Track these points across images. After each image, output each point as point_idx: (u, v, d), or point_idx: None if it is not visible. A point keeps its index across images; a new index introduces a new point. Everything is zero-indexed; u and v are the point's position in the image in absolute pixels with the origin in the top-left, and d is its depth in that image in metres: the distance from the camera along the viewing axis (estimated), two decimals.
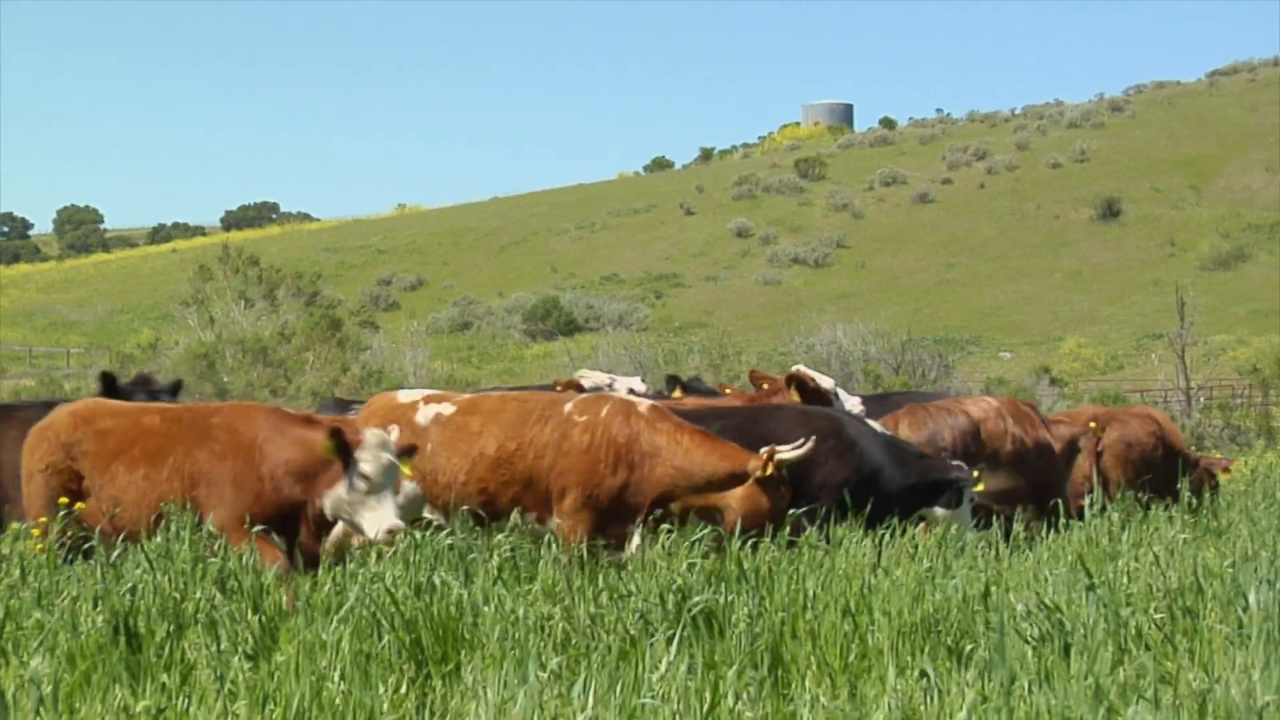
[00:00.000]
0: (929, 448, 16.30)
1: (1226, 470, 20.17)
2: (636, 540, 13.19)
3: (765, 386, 18.18)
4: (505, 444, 13.80)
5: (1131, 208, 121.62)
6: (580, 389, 17.51)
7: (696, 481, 13.54)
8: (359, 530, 11.92)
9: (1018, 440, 17.46)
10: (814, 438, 13.79)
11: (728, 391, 18.36)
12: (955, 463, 15.82)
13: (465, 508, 13.55)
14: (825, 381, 17.81)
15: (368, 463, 11.91)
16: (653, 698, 7.92)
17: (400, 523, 11.87)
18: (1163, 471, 18.64)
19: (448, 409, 14.28)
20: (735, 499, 13.44)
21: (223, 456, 12.19)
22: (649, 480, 13.54)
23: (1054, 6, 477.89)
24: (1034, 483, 17.48)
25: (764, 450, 13.48)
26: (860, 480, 14.86)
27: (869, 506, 14.19)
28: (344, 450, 11.94)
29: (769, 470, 13.36)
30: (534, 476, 13.75)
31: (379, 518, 11.78)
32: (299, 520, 12.04)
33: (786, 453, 13.46)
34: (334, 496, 11.96)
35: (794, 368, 18.40)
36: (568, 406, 13.99)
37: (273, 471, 12.10)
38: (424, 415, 14.23)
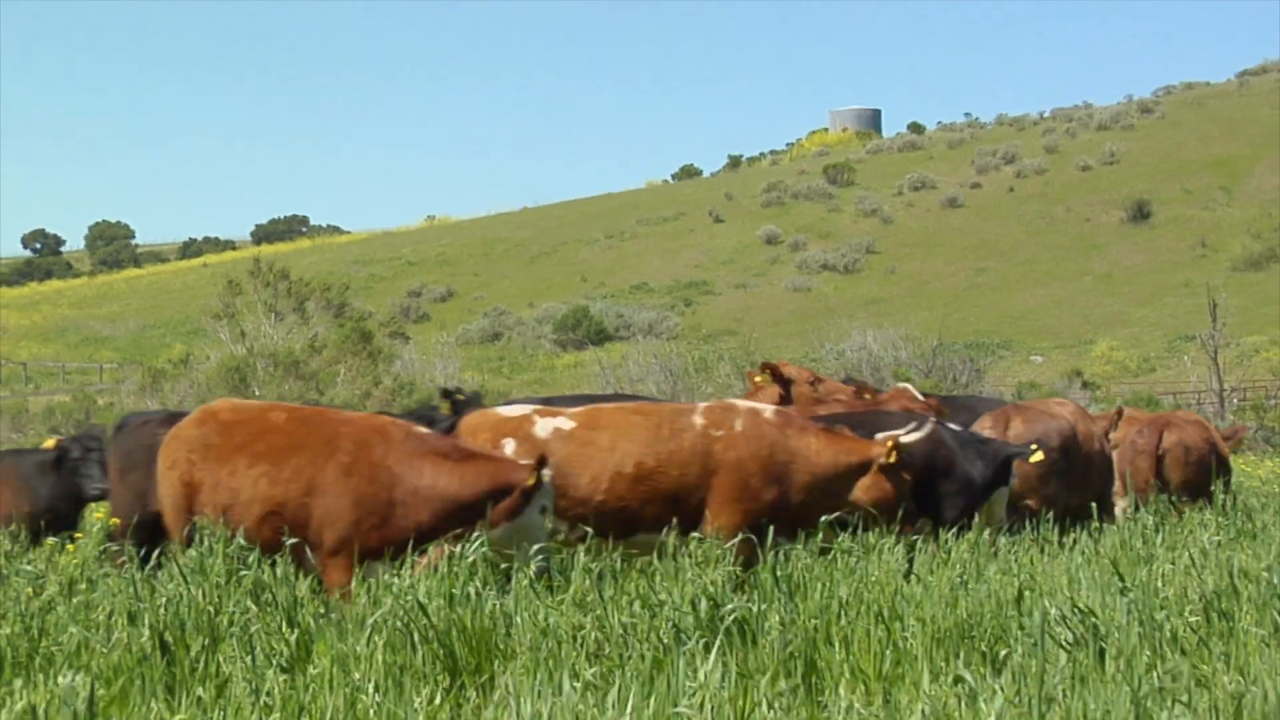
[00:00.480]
0: (1040, 447, 16.81)
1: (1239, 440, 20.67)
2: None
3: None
4: (644, 460, 13.58)
5: (1162, 209, 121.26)
6: (776, 373, 17.97)
7: (830, 479, 13.73)
8: (526, 561, 11.58)
9: (1100, 441, 18.20)
10: (929, 419, 14.43)
11: (756, 380, 18.39)
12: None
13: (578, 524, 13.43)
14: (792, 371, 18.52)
15: (546, 502, 12.00)
16: (686, 707, 7.93)
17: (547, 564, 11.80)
18: (1209, 477, 18.87)
19: (567, 423, 13.95)
20: (862, 489, 13.72)
21: (349, 472, 11.95)
22: (794, 487, 13.64)
23: (1081, 8, 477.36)
24: (1105, 482, 18.17)
25: (884, 437, 13.82)
26: (980, 470, 15.61)
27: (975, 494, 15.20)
28: (526, 493, 11.89)
29: (892, 457, 13.66)
30: (680, 493, 13.58)
31: (543, 551, 11.75)
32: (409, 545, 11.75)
33: (906, 436, 13.80)
34: (512, 527, 11.88)
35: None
36: (697, 419, 13.91)
37: (405, 498, 11.90)
38: (543, 429, 13.82)
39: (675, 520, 13.44)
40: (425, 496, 11.84)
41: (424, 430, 12.68)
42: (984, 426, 17.48)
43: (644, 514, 13.52)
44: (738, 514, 13.42)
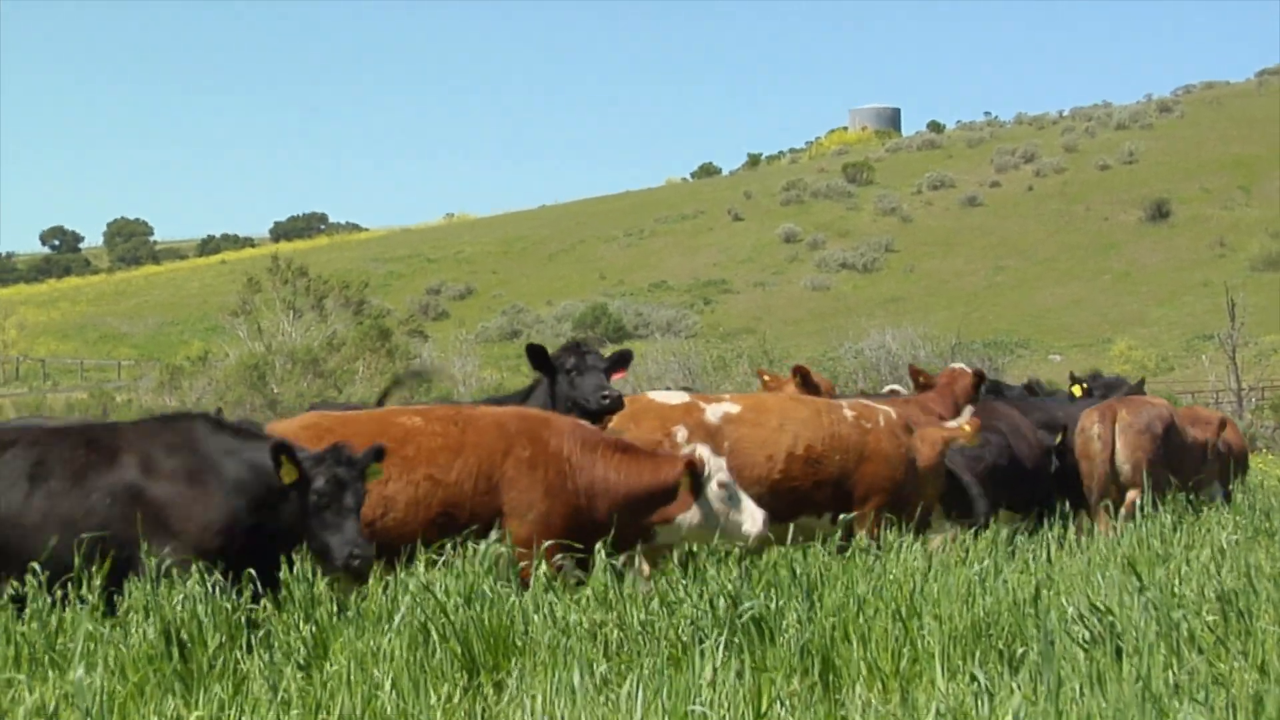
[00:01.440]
0: (1147, 434, 18.03)
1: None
2: None
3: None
4: (813, 443, 14.37)
5: (1180, 209, 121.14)
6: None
7: (934, 475, 15.00)
8: (731, 537, 12.24)
9: (1191, 432, 19.09)
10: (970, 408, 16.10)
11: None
12: None
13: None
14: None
15: (721, 472, 12.34)
16: (701, 704, 7.93)
17: (757, 521, 12.33)
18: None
19: (733, 408, 14.55)
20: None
21: (533, 465, 12.15)
22: (916, 480, 14.75)
23: (1100, 7, 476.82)
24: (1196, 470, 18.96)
25: (964, 423, 15.00)
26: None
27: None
28: (695, 476, 12.23)
29: (976, 439, 15.04)
30: (842, 476, 14.46)
31: (750, 517, 12.30)
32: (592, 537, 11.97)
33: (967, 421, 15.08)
34: (689, 516, 12.28)
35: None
36: (847, 412, 14.85)
37: (587, 488, 12.21)
38: (714, 414, 14.33)
39: (833, 505, 14.38)
40: (599, 489, 12.22)
41: (584, 422, 13.08)
42: (1091, 420, 18.30)
43: (812, 496, 14.34)
44: (884, 500, 14.43)
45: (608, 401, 14.10)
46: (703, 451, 12.38)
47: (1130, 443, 18.29)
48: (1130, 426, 18.14)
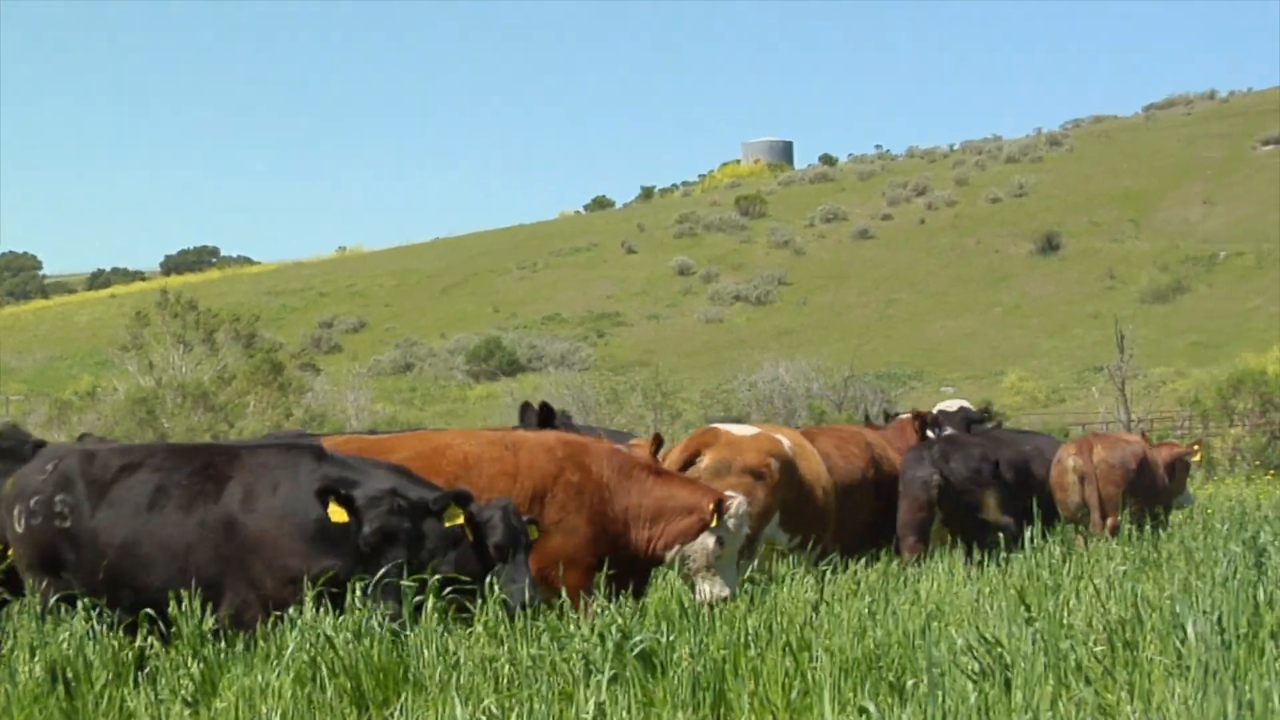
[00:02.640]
0: (1120, 470, 19.36)
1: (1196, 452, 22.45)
2: None
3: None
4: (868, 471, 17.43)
5: (1070, 241, 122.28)
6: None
7: None
8: (693, 588, 12.46)
9: (1164, 466, 20.40)
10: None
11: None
12: None
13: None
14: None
15: (729, 530, 12.50)
16: None
17: (732, 593, 12.39)
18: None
19: (794, 437, 16.48)
20: None
21: (580, 490, 12.36)
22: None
23: (990, 42, 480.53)
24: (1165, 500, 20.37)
25: None
26: None
27: None
28: (720, 514, 12.43)
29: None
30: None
31: (721, 584, 12.43)
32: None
33: None
34: (682, 551, 12.48)
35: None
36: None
37: (618, 514, 12.45)
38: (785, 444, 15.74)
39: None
40: (633, 515, 12.49)
41: (619, 447, 13.37)
42: (1069, 452, 19.59)
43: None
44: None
45: None
46: (738, 501, 12.59)
47: (1104, 476, 19.23)
48: (1105, 462, 19.39)
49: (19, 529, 11.08)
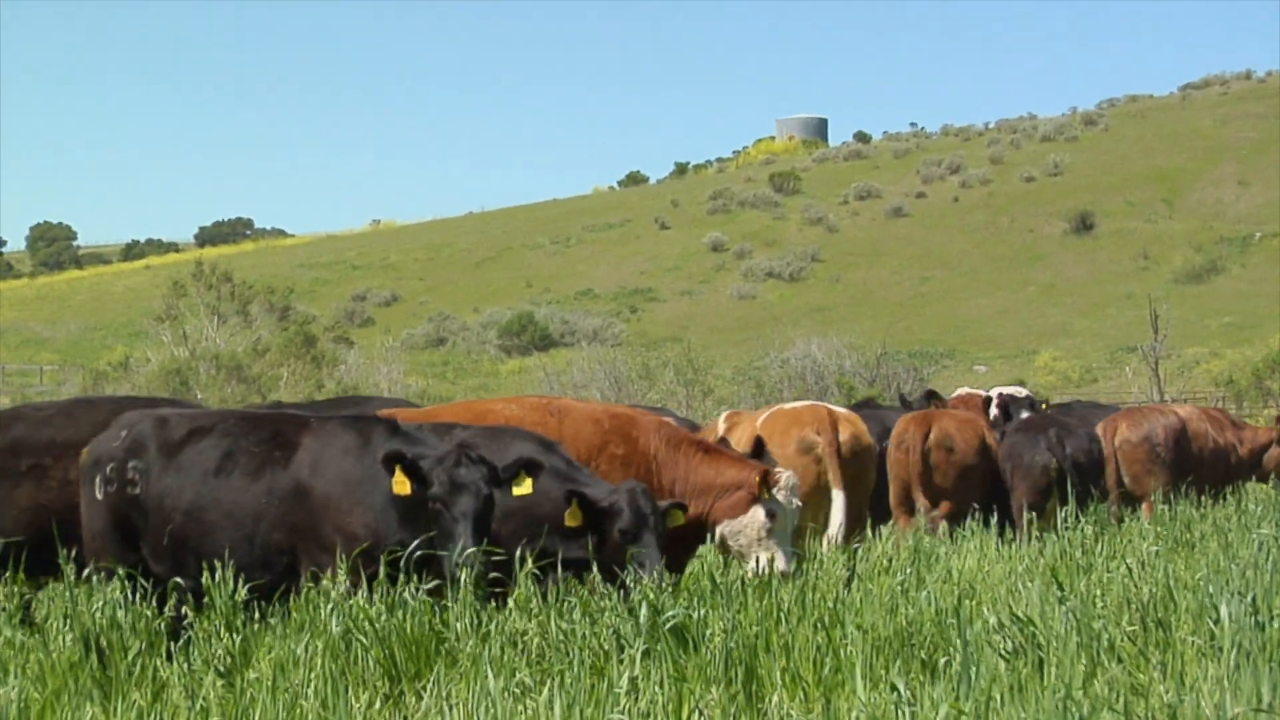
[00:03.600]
0: (1146, 444, 19.84)
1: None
2: None
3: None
4: None
5: (1105, 221, 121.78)
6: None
7: None
8: (745, 562, 12.44)
9: (1214, 440, 20.61)
10: None
11: None
12: None
13: None
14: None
15: (780, 503, 12.48)
16: (621, 713, 7.91)
17: (789, 568, 12.30)
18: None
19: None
20: None
21: (626, 463, 12.32)
22: None
23: (1026, 20, 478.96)
24: (1217, 475, 20.61)
25: None
26: None
27: None
28: (768, 487, 12.44)
29: None
30: None
31: (779, 557, 12.36)
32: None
33: None
34: (733, 525, 12.42)
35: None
36: None
37: (669, 486, 12.36)
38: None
39: None
40: (681, 489, 12.40)
41: (669, 420, 13.28)
42: (1098, 431, 20.19)
43: None
44: None
45: None
46: (786, 475, 12.54)
47: (1127, 455, 19.41)
48: (1127, 440, 19.84)
49: (98, 496, 11.06)
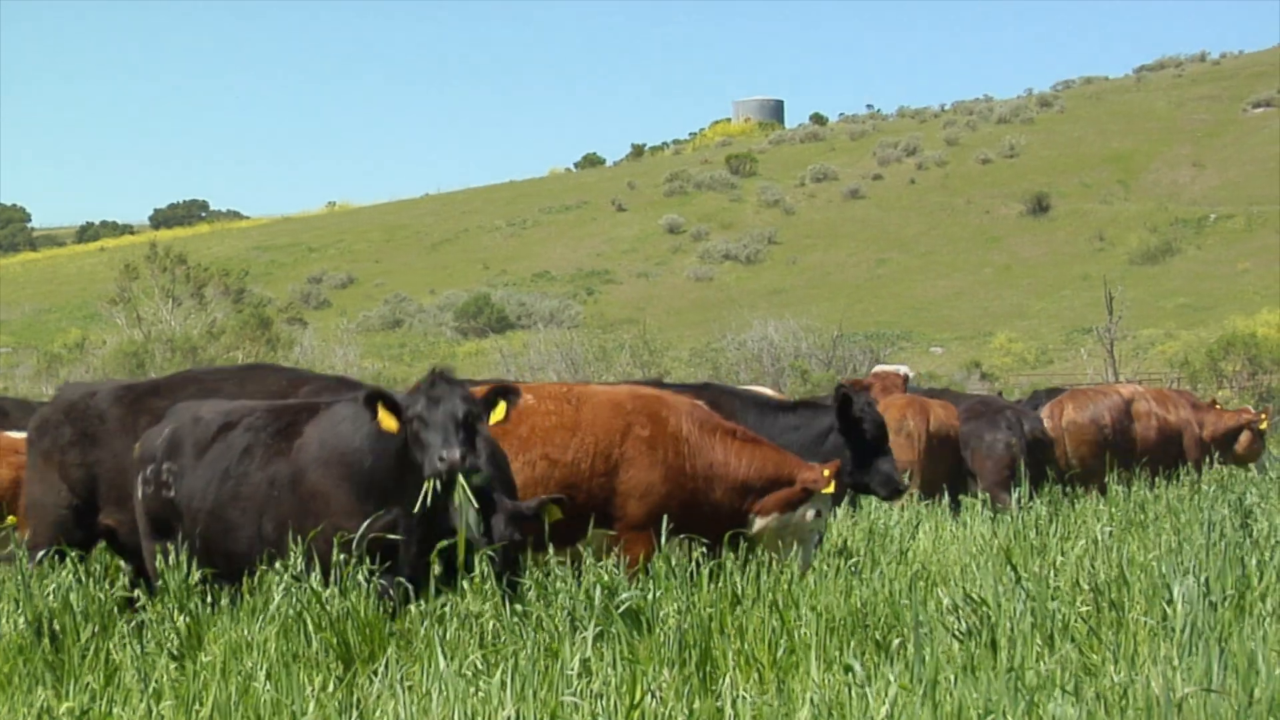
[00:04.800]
0: (1092, 426, 20.07)
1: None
2: None
3: None
4: None
5: (1060, 203, 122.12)
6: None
7: None
8: (780, 554, 12.08)
9: (1161, 419, 20.75)
10: None
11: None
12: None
13: None
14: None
15: (827, 503, 12.42)
16: (575, 695, 7.91)
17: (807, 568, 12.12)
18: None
19: None
20: None
21: (653, 445, 12.00)
22: None
23: (982, 2, 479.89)
24: (1170, 455, 20.76)
25: None
26: None
27: None
28: (826, 485, 12.27)
29: None
30: None
31: (803, 555, 12.13)
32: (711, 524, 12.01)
33: None
34: (784, 519, 12.21)
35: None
36: None
37: (703, 471, 12.09)
38: None
39: None
40: (718, 473, 12.08)
41: (700, 404, 12.86)
42: (1045, 412, 20.47)
43: None
44: None
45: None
46: (838, 465, 12.53)
47: (1074, 436, 19.58)
48: (1073, 421, 20.14)
49: (138, 497, 10.88)
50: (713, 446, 12.14)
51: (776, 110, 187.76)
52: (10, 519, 12.67)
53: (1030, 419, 19.78)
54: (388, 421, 10.01)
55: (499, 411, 10.21)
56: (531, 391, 12.44)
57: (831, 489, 12.24)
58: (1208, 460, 21.13)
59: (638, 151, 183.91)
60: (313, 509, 10.21)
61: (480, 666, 8.53)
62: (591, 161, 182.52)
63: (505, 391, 10.36)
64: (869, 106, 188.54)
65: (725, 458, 12.14)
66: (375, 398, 10.09)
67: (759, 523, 12.17)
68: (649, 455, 11.94)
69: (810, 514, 12.18)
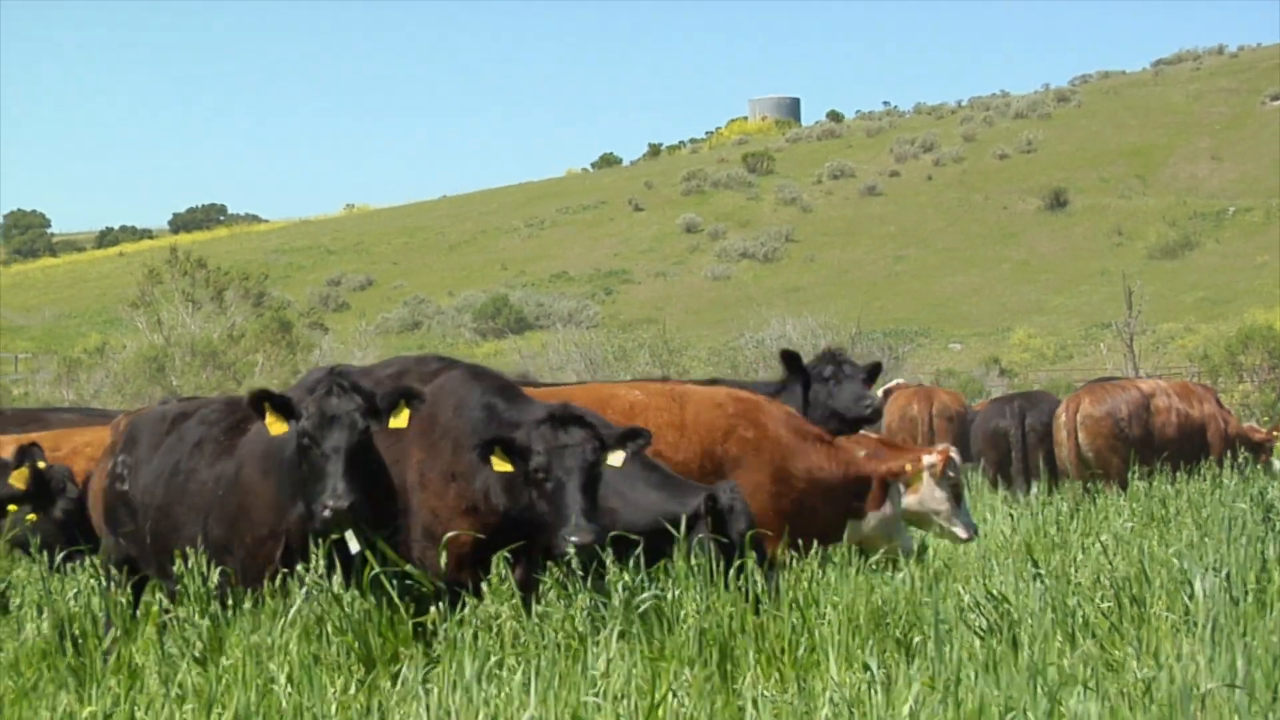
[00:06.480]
0: (1108, 420, 19.67)
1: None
2: None
3: None
4: None
5: (1078, 198, 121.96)
6: None
7: None
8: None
9: (1182, 414, 20.38)
10: None
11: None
12: None
13: None
14: None
15: (950, 480, 13.25)
16: (596, 695, 7.91)
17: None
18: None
19: None
20: None
21: (758, 447, 12.13)
22: None
23: None
24: (1193, 450, 20.29)
25: None
26: None
27: None
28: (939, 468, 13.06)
29: None
30: None
31: (964, 526, 13.03)
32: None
33: None
34: (876, 517, 12.69)
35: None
36: None
37: (804, 474, 12.30)
38: None
39: None
40: (816, 477, 12.30)
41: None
42: (1062, 407, 20.29)
43: None
44: None
45: (869, 410, 14.45)
46: (951, 452, 13.09)
47: (1090, 430, 19.50)
48: (1089, 415, 19.81)
49: (99, 489, 10.70)
50: (808, 451, 12.31)
51: (793, 108, 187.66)
52: (12, 507, 12.60)
53: (1038, 409, 20.06)
54: (276, 425, 9.51)
55: (401, 418, 9.68)
56: (638, 388, 12.59)
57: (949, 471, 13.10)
58: (1229, 455, 21.01)
59: (654, 151, 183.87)
60: (244, 506, 9.78)
61: (503, 667, 8.54)
62: (608, 161, 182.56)
63: (409, 395, 9.76)
64: (886, 103, 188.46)
65: (820, 462, 12.33)
66: (262, 398, 9.55)
67: (871, 517, 12.69)
68: (755, 456, 12.05)
69: (939, 493, 13.05)
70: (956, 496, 13.29)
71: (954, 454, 13.31)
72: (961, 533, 13.19)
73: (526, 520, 9.84)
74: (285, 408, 9.42)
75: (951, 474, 13.18)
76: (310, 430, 9.29)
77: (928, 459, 13.12)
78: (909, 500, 13.05)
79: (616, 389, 12.68)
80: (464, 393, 10.33)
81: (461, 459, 10.03)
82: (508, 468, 9.66)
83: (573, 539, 9.35)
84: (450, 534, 9.90)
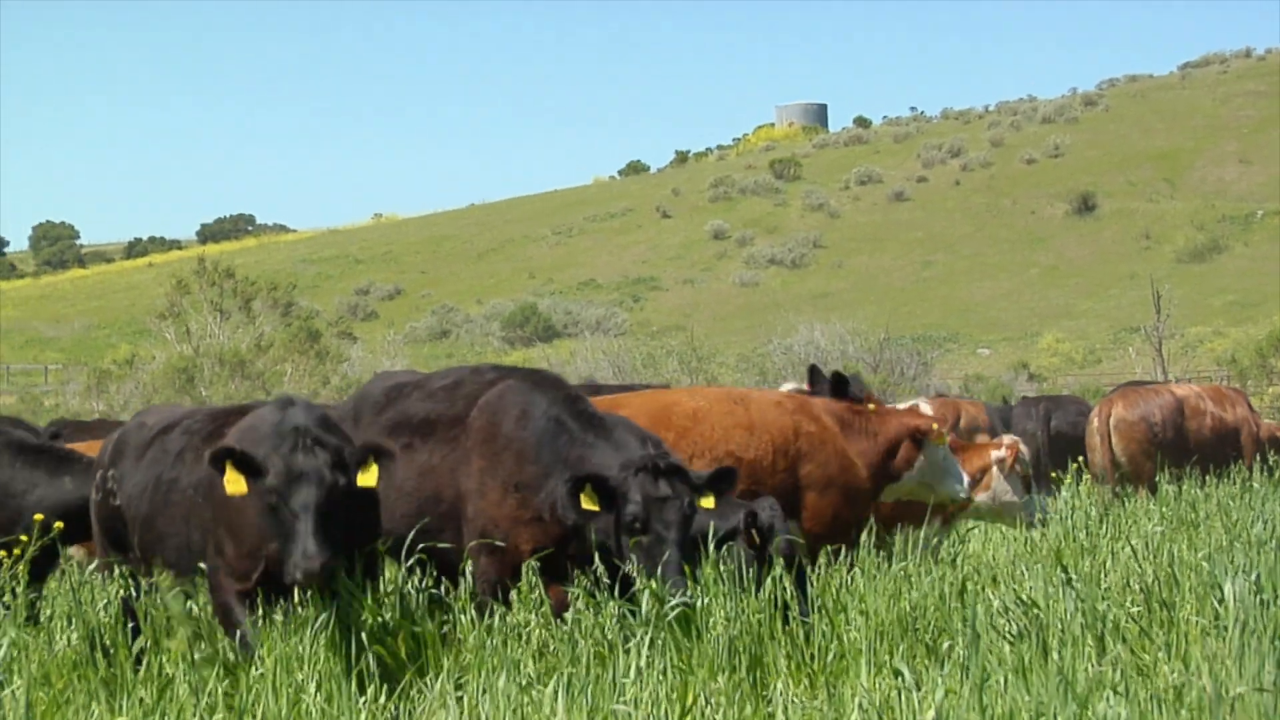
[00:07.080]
0: (1142, 424, 19.67)
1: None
2: None
3: None
4: None
5: (1106, 202, 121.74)
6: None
7: None
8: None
9: (1216, 418, 20.37)
10: None
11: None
12: None
13: None
14: None
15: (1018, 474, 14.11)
16: (625, 703, 7.91)
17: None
18: None
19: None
20: None
21: (823, 441, 12.42)
22: None
23: (1024, 2, 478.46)
24: (1225, 454, 20.29)
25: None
26: None
27: None
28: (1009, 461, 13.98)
29: None
30: None
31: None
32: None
33: None
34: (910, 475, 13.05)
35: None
36: None
37: (868, 467, 12.73)
38: None
39: None
40: (865, 457, 12.75)
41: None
42: (1095, 411, 20.39)
43: None
44: None
45: None
46: (1017, 443, 13.96)
47: (1123, 435, 19.46)
48: (1123, 420, 19.79)
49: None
50: (855, 436, 12.72)
51: (820, 114, 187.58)
52: (38, 516, 12.50)
53: (1064, 410, 20.28)
54: (235, 485, 9.07)
55: (369, 476, 9.27)
56: (695, 395, 12.74)
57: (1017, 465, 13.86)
58: (1259, 458, 20.92)
59: (682, 158, 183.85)
60: (223, 520, 9.49)
61: (533, 676, 8.55)
62: (636, 169, 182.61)
63: (379, 452, 9.37)
64: (912, 109, 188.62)
65: (864, 445, 12.73)
66: (223, 456, 9.08)
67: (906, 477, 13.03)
68: (821, 450, 12.31)
69: (1008, 487, 13.80)
70: (1026, 488, 13.99)
71: (1023, 447, 13.95)
72: (1033, 522, 13.84)
73: (584, 537, 9.97)
74: (248, 465, 9.04)
75: (1019, 467, 13.81)
76: (278, 488, 8.98)
77: (996, 454, 13.84)
78: (981, 496, 13.71)
79: (678, 396, 12.81)
80: (527, 403, 10.41)
81: (525, 470, 10.16)
82: (595, 509, 9.72)
83: (677, 595, 9.37)
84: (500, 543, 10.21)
